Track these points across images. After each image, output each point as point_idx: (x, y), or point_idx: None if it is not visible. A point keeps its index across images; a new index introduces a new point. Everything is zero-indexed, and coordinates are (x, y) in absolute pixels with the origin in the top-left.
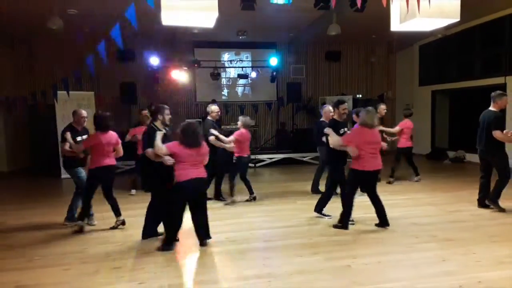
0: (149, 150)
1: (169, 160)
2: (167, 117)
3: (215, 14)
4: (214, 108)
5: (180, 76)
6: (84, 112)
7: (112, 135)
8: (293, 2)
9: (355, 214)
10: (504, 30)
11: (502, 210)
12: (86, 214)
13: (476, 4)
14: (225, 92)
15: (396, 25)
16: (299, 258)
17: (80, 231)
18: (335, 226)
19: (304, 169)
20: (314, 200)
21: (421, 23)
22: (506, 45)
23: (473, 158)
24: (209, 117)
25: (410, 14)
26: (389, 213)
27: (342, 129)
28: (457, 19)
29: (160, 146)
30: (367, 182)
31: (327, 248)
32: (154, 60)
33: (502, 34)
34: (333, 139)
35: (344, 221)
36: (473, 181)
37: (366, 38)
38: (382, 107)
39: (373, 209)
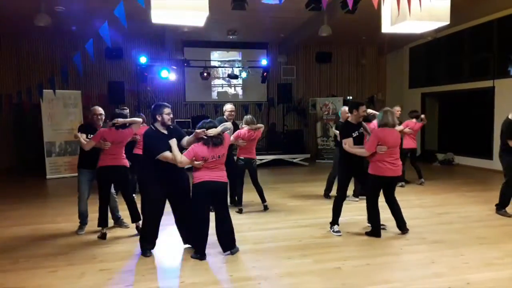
0: (166, 154)
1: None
2: (167, 117)
3: (206, 13)
4: (227, 107)
5: (169, 75)
6: (99, 109)
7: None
8: (284, 3)
9: (343, 216)
10: (493, 34)
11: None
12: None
13: (465, 8)
14: (215, 92)
15: (387, 27)
16: (288, 260)
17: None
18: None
19: (294, 171)
20: (303, 202)
21: (411, 26)
22: (494, 49)
23: (462, 160)
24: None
25: (401, 16)
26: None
27: (355, 132)
28: (447, 22)
29: (179, 157)
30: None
31: (317, 250)
32: (143, 59)
33: (490, 38)
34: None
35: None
36: (462, 183)
37: (357, 40)
38: (397, 109)
39: (362, 212)
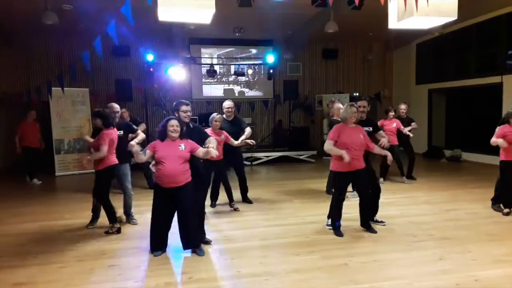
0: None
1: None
2: (183, 114)
3: (212, 10)
4: (224, 104)
5: (176, 73)
6: (116, 106)
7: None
8: None
9: (352, 212)
10: (500, 29)
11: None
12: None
13: (473, 3)
14: (221, 89)
15: (394, 23)
16: (296, 256)
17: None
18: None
19: (300, 168)
20: (310, 199)
21: (418, 21)
22: (502, 44)
23: (470, 157)
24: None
25: (408, 12)
26: (386, 211)
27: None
28: (454, 17)
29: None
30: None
31: (324, 246)
32: (150, 57)
33: (498, 33)
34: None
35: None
36: (470, 180)
37: (363, 36)
38: (402, 107)
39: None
